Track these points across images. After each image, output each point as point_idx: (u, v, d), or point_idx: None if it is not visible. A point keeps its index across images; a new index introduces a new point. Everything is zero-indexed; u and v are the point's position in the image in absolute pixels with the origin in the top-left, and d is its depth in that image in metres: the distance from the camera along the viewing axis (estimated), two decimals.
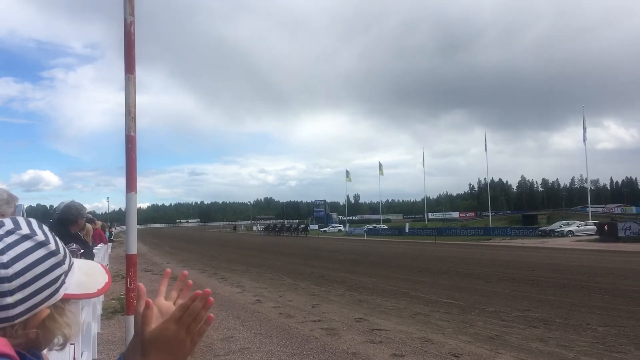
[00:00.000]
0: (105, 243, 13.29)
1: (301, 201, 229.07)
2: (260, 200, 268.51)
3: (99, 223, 12.38)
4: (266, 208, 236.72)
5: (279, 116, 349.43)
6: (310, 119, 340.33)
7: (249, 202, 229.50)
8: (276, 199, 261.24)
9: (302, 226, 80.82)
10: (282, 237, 66.91)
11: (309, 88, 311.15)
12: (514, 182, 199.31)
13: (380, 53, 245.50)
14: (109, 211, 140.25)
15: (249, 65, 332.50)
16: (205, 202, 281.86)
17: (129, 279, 4.19)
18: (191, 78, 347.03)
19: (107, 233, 17.12)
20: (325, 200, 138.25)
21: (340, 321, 9.73)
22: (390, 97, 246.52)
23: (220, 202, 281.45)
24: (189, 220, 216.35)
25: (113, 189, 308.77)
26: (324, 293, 13.67)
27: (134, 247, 4.36)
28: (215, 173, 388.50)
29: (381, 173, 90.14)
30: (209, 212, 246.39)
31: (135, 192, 4.31)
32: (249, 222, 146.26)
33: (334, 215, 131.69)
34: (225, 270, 20.79)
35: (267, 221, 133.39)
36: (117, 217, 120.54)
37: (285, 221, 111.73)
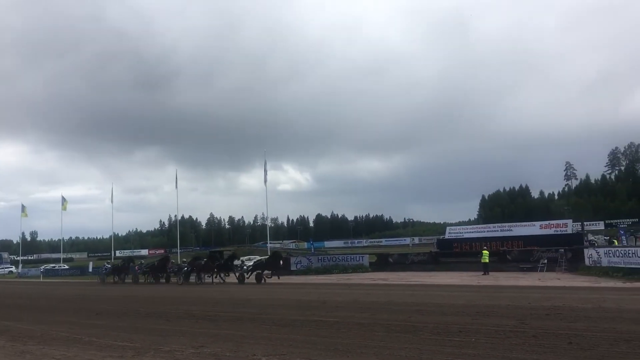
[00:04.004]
0: None
1: None
2: None
3: None
4: None
5: None
6: None
7: None
8: None
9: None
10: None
11: None
12: (203, 219, 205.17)
13: (72, 82, 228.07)
14: None
15: None
16: None
17: None
18: None
19: None
20: None
21: None
22: (82, 129, 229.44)
23: None
24: None
25: None
26: None
27: None
28: None
29: (64, 208, 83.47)
30: None
31: None
32: None
33: (5, 255, 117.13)
34: None
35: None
36: None
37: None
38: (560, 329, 10.99)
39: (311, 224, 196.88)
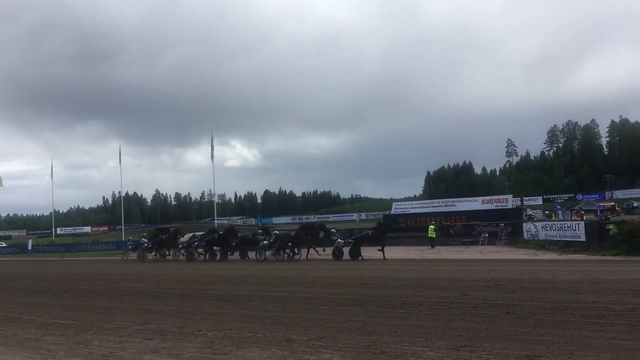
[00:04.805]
0: None
1: None
2: None
3: None
4: None
5: None
6: None
7: None
8: None
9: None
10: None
11: None
12: (149, 195, 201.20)
13: (9, 54, 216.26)
14: None
15: None
16: None
17: None
18: None
19: None
20: None
21: None
22: (20, 103, 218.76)
23: None
24: None
25: None
26: None
27: None
28: None
29: (0, 184, 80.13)
30: None
31: None
32: None
33: None
34: None
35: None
36: None
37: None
38: (498, 300, 11.40)
39: (259, 200, 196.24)
